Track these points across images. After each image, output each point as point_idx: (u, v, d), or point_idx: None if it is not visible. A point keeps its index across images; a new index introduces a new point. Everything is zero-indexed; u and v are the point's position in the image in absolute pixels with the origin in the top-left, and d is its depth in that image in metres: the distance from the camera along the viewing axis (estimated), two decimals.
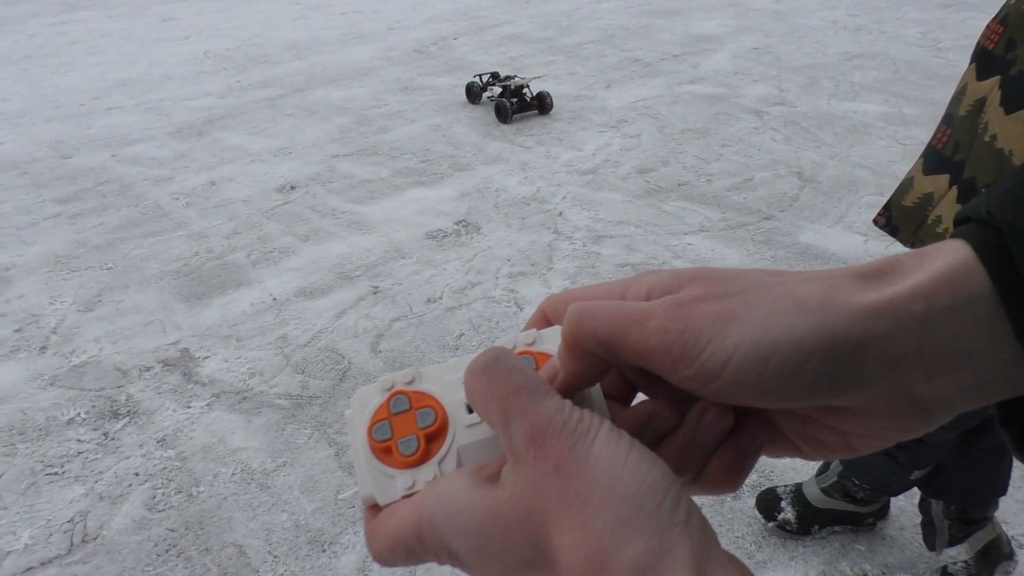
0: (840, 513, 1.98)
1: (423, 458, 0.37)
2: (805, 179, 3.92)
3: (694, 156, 4.24)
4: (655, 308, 0.33)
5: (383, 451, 0.37)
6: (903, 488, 1.85)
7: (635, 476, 0.29)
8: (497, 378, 0.33)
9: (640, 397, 0.39)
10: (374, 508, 0.37)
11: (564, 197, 3.84)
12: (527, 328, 0.41)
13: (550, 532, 0.30)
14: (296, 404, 2.54)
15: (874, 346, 0.31)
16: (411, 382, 0.39)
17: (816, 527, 2.01)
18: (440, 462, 0.37)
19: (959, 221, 0.34)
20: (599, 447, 0.30)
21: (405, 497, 0.36)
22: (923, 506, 1.93)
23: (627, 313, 0.33)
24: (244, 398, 2.58)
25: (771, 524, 2.03)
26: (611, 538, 0.28)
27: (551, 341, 0.39)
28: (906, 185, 1.46)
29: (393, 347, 2.77)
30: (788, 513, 2.01)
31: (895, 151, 4.18)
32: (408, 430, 0.37)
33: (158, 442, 2.42)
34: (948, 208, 1.35)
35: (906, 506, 2.08)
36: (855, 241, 3.32)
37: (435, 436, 0.37)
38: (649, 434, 0.36)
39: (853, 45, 6.11)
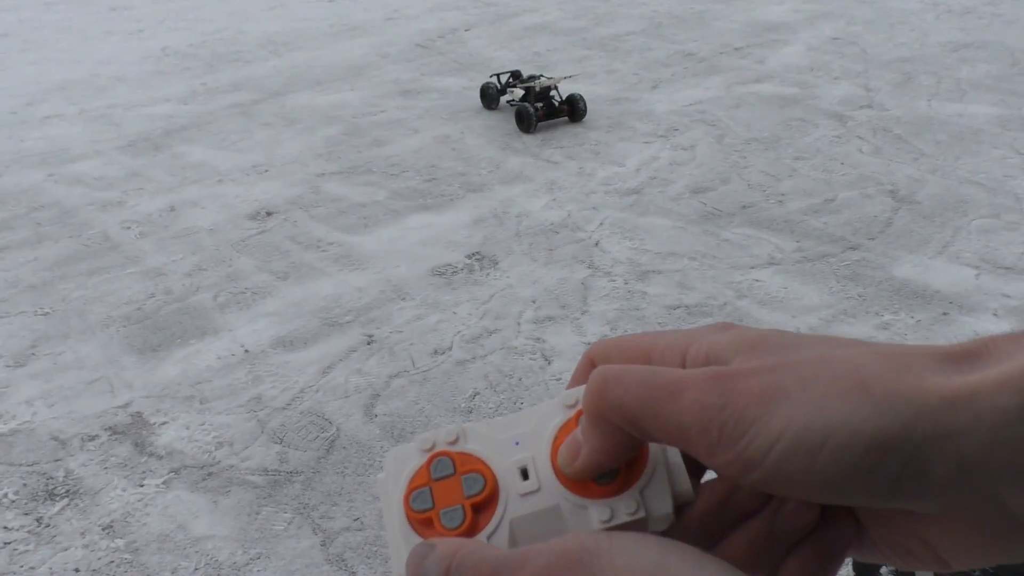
0: None
1: (470, 532, 0.37)
2: (900, 199, 3.93)
3: (761, 172, 4.26)
4: (693, 378, 0.33)
5: (422, 523, 0.38)
6: None
7: None
8: None
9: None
10: None
11: (601, 223, 3.87)
12: (573, 382, 0.41)
13: None
14: (273, 481, 2.55)
15: (947, 444, 0.31)
16: (455, 441, 0.40)
17: None
18: (489, 537, 0.37)
19: None
20: (623, 562, 0.31)
21: None
22: None
23: (660, 383, 0.34)
24: (209, 474, 2.60)
25: None
26: None
27: None
28: None
29: (392, 410, 2.79)
30: None
31: (1013, 163, 4.17)
32: (452, 499, 0.38)
33: (104, 529, 2.44)
34: None
35: None
36: (965, 275, 3.31)
37: (484, 506, 0.38)
38: (724, 516, 0.37)
39: (959, 33, 6.13)
